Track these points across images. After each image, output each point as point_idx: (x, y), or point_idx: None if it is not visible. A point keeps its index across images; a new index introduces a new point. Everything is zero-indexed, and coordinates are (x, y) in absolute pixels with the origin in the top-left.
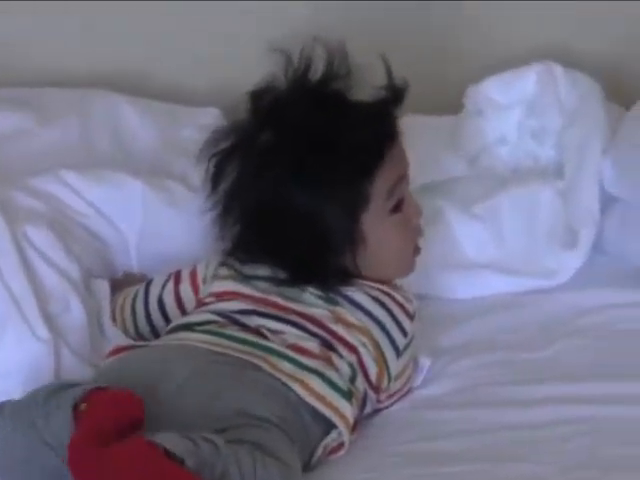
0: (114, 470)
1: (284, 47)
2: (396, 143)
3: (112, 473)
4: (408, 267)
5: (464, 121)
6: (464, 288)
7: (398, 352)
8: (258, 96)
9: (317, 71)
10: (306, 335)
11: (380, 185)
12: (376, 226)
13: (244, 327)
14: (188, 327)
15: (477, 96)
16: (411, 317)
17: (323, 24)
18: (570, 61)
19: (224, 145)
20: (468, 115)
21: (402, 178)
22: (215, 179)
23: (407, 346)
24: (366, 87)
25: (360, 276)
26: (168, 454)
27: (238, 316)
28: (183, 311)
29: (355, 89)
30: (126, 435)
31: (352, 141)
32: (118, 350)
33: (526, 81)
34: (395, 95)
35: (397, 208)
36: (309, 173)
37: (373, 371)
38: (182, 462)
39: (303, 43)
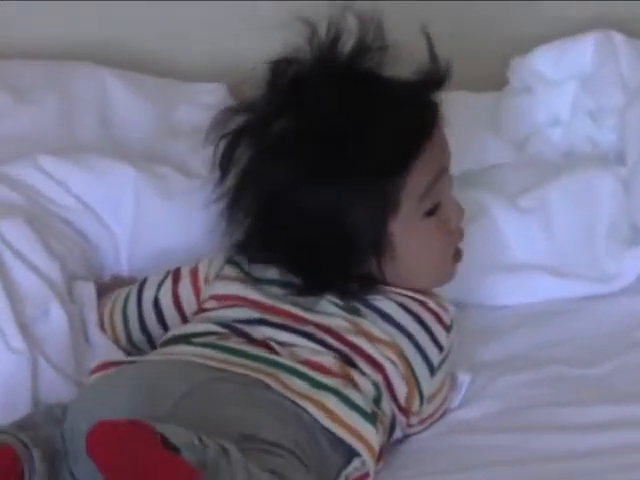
0: (99, 450)
1: (307, 16)
2: (437, 132)
3: (97, 451)
4: (446, 276)
5: (509, 99)
6: (508, 293)
7: (432, 369)
8: (278, 69)
9: (347, 44)
10: (322, 349)
11: (415, 182)
12: (407, 230)
13: (249, 339)
14: (185, 339)
15: (524, 70)
16: (448, 328)
17: None
18: (634, 31)
19: (234, 125)
20: (514, 92)
21: (441, 174)
22: (224, 165)
23: (442, 362)
24: (403, 67)
25: (386, 283)
26: (168, 446)
27: (243, 326)
28: (182, 315)
29: (390, 67)
30: None
31: (384, 129)
32: (104, 366)
33: (582, 52)
34: (437, 77)
35: (433, 210)
36: (330, 166)
37: (402, 392)
38: (177, 451)
39: (331, 11)
